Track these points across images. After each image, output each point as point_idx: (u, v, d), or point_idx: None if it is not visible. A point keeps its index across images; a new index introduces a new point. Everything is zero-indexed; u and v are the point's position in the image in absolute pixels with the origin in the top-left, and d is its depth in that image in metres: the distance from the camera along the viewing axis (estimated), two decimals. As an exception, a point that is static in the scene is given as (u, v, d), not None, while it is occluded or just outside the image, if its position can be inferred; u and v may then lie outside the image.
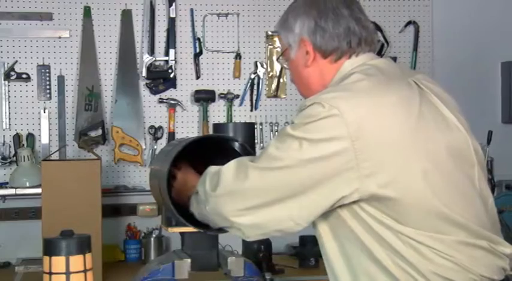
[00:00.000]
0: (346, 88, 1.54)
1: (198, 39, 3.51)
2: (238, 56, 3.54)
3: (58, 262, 1.53)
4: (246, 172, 1.53)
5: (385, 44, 3.60)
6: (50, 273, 1.55)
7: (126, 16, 3.44)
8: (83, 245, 1.55)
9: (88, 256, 1.56)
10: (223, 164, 1.79)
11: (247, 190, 1.52)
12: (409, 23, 3.68)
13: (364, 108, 1.48)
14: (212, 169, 1.63)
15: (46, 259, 1.56)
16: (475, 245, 1.53)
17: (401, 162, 1.47)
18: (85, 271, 1.55)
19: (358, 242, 1.52)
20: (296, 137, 1.49)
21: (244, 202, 1.52)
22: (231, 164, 1.57)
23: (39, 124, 3.35)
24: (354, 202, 1.50)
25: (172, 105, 3.46)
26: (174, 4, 3.45)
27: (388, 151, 1.46)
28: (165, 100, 3.46)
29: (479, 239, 1.53)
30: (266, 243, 2.98)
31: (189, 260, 1.77)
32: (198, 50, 3.50)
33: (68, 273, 1.54)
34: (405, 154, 1.48)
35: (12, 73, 3.31)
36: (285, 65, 1.79)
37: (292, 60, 1.71)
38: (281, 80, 3.59)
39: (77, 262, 1.54)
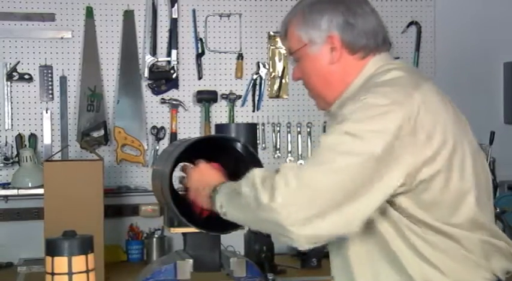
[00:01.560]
0: (395, 83, 1.52)
1: (200, 39, 3.51)
2: (240, 56, 3.55)
3: (60, 263, 1.54)
4: (307, 177, 1.44)
5: (387, 45, 3.60)
6: (53, 273, 1.55)
7: (128, 17, 3.45)
8: (85, 246, 1.55)
9: (90, 256, 1.56)
10: (225, 163, 1.79)
11: (311, 197, 1.41)
12: (411, 23, 3.68)
13: (419, 102, 1.47)
14: (259, 172, 1.52)
15: (48, 259, 1.56)
16: (495, 245, 1.55)
17: (449, 157, 1.48)
18: (87, 271, 1.56)
19: (385, 247, 1.52)
20: (355, 133, 1.44)
21: (307, 211, 1.41)
22: (286, 171, 1.46)
23: (42, 125, 3.36)
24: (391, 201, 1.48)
25: (175, 106, 3.46)
26: (176, 5, 3.45)
27: (440, 144, 1.47)
28: (167, 101, 3.46)
29: (498, 239, 1.56)
30: (268, 243, 2.98)
31: (191, 260, 1.77)
32: (200, 51, 3.50)
33: (70, 273, 1.54)
34: (451, 150, 1.48)
35: (14, 74, 3.31)
36: (294, 63, 1.72)
37: (310, 57, 1.65)
38: (283, 81, 3.59)
39: (79, 262, 1.54)
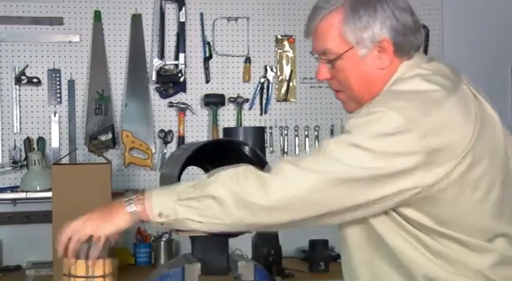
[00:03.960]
0: (415, 97, 1.44)
1: (208, 43, 3.51)
2: (247, 60, 3.55)
3: (78, 266, 1.54)
4: (305, 177, 1.40)
5: (395, 48, 3.60)
6: (70, 275, 1.55)
7: (136, 20, 3.46)
8: (103, 250, 1.54)
9: (108, 261, 1.56)
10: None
11: (303, 201, 1.40)
12: (419, 26, 3.67)
13: (438, 122, 1.41)
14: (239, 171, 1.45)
15: (66, 261, 1.56)
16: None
17: (462, 173, 1.43)
18: (104, 276, 1.56)
19: (388, 251, 1.49)
20: (366, 148, 1.39)
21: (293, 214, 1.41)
22: (282, 168, 1.42)
23: (50, 128, 3.37)
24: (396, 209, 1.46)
25: (182, 109, 3.47)
26: (184, 8, 3.46)
27: (458, 161, 1.42)
28: (174, 104, 3.47)
29: None
30: (276, 247, 2.98)
31: (199, 264, 1.77)
32: (207, 54, 3.51)
33: (88, 277, 1.54)
34: (467, 165, 1.43)
35: (23, 77, 3.33)
36: (322, 61, 1.57)
37: (354, 60, 1.53)
38: (291, 84, 3.59)
39: (97, 266, 1.54)
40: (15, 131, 3.33)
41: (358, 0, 1.50)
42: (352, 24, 1.50)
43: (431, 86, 1.47)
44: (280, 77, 3.59)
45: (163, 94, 3.46)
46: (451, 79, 1.54)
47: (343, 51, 1.52)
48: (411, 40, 1.53)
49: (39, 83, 3.34)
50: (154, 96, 3.47)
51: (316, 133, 3.59)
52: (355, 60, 1.52)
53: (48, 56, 3.38)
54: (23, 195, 3.20)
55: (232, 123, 3.51)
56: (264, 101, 3.56)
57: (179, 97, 3.48)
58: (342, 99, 1.62)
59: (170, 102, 3.47)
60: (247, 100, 3.54)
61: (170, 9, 3.48)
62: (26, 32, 3.36)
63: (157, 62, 3.44)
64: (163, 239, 3.29)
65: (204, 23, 3.51)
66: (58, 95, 3.38)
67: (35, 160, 3.21)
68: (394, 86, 1.51)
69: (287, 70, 3.58)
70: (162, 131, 3.46)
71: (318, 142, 3.58)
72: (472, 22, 3.72)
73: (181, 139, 3.46)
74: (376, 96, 1.52)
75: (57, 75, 3.38)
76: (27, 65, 3.35)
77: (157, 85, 3.46)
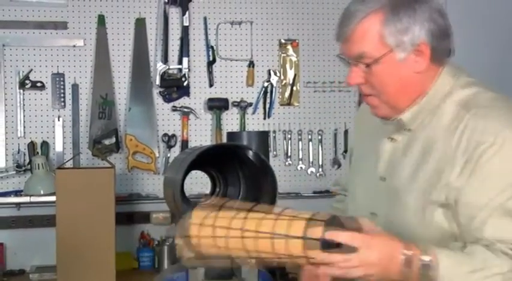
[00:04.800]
0: (504, 106, 1.50)
1: (212, 47, 3.51)
2: (251, 64, 3.55)
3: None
4: None
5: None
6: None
7: (140, 24, 3.46)
8: None
9: None
10: (237, 172, 1.79)
11: None
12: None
13: None
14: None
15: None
16: None
17: None
18: None
19: None
20: None
21: None
22: None
23: (54, 132, 3.37)
24: None
25: (186, 113, 3.47)
26: (187, 13, 3.46)
27: None
28: (178, 108, 3.47)
29: None
30: (279, 251, 2.97)
31: (202, 268, 1.77)
32: (211, 58, 3.51)
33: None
34: None
35: (27, 81, 3.33)
36: (355, 65, 1.53)
37: (392, 64, 1.51)
38: (294, 88, 3.59)
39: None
40: (19, 135, 3.34)
41: (398, 2, 1.48)
42: (393, 26, 1.47)
43: (500, 96, 1.53)
44: (284, 81, 3.59)
45: (167, 98, 3.46)
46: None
47: (381, 54, 1.49)
48: (446, 44, 1.53)
49: (43, 87, 3.35)
50: (158, 100, 3.47)
51: (319, 137, 3.58)
52: (392, 64, 1.50)
53: (52, 60, 3.39)
54: (26, 199, 3.20)
55: (235, 128, 3.51)
56: (267, 105, 3.56)
57: (183, 101, 3.49)
58: (374, 104, 1.59)
59: (174, 106, 3.47)
60: (250, 104, 3.54)
61: (174, 13, 3.49)
62: (30, 37, 3.37)
63: (161, 66, 3.44)
64: (167, 243, 3.29)
65: (208, 27, 3.52)
66: (62, 99, 3.38)
67: (38, 164, 3.21)
68: (470, 99, 1.51)
69: (291, 74, 3.59)
70: (165, 135, 3.47)
71: (322, 146, 3.58)
72: (476, 25, 3.71)
73: (184, 143, 3.46)
74: (414, 101, 1.53)
75: (61, 79, 3.38)
76: (31, 69, 3.35)
77: (161, 89, 3.46)
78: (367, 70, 1.52)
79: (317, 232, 1.32)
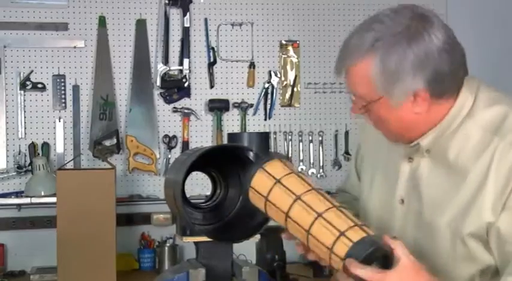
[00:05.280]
0: None
1: (212, 48, 3.52)
2: (252, 65, 3.55)
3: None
4: None
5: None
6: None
7: (141, 26, 3.46)
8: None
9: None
10: (238, 173, 1.79)
11: None
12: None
13: None
14: None
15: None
16: None
17: None
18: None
19: None
20: None
21: None
22: None
23: (54, 133, 3.37)
24: None
25: (187, 115, 3.47)
26: (188, 14, 3.47)
27: None
28: (179, 109, 3.47)
29: None
30: (280, 252, 2.98)
31: (203, 269, 1.76)
32: (212, 60, 3.51)
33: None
34: None
35: (27, 83, 3.33)
36: (362, 113, 1.49)
37: (386, 107, 1.45)
38: (295, 89, 3.59)
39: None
40: (19, 136, 3.34)
41: (390, 47, 1.39)
42: (382, 75, 1.41)
43: None
44: (285, 82, 3.59)
45: (168, 99, 3.47)
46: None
47: (374, 99, 1.45)
48: (451, 82, 1.44)
49: (44, 88, 3.35)
50: (159, 101, 3.48)
51: (320, 138, 3.59)
52: (388, 108, 1.45)
53: (53, 62, 3.39)
54: (27, 200, 3.20)
55: (236, 129, 3.51)
56: (268, 106, 3.56)
57: (183, 102, 3.49)
58: (381, 131, 1.55)
59: (174, 107, 3.47)
60: (251, 105, 3.54)
61: (175, 14, 3.49)
62: (31, 38, 3.37)
63: (161, 67, 3.44)
64: (168, 244, 3.29)
65: (209, 29, 3.52)
66: (63, 101, 3.39)
67: (39, 165, 3.22)
68: (498, 122, 1.45)
69: (291, 75, 3.59)
70: (166, 136, 3.47)
71: (322, 147, 3.58)
72: (478, 28, 3.71)
73: (185, 144, 3.46)
74: (425, 131, 1.47)
75: (62, 80, 3.39)
76: (32, 71, 3.36)
77: (162, 90, 3.46)
78: (366, 105, 1.49)
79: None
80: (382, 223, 1.66)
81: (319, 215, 1.38)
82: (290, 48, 3.59)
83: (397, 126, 1.50)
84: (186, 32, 3.48)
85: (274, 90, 3.57)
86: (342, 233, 1.34)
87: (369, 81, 1.43)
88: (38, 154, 3.32)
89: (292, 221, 1.42)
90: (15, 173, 3.29)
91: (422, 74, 1.40)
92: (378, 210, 1.68)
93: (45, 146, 3.35)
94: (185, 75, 3.46)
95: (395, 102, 1.43)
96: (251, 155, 1.77)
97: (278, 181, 1.45)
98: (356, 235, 1.34)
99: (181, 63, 3.47)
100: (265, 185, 1.47)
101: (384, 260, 1.34)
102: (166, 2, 3.45)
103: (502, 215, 1.41)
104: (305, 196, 1.41)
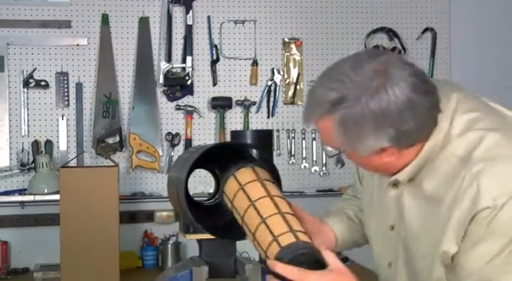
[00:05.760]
0: (503, 155, 1.38)
1: (215, 46, 3.52)
2: (255, 62, 3.55)
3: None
4: None
5: (402, 51, 3.60)
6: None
7: (144, 23, 3.47)
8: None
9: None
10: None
11: None
12: (426, 29, 3.67)
13: None
14: None
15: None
16: None
17: None
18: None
19: None
20: None
21: None
22: None
23: (58, 131, 3.38)
24: None
25: (189, 112, 3.47)
26: (191, 11, 3.47)
27: None
28: (182, 107, 3.47)
29: None
30: (283, 250, 2.97)
31: (206, 267, 1.76)
32: (215, 57, 3.51)
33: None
34: None
35: (31, 80, 3.34)
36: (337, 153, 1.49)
37: (356, 156, 1.47)
38: (298, 87, 3.59)
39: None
40: (23, 134, 3.35)
41: (349, 111, 1.37)
42: (343, 136, 1.41)
43: (503, 139, 1.40)
44: (288, 80, 3.59)
45: (171, 97, 3.47)
46: (488, 108, 1.49)
47: (342, 151, 1.46)
48: (420, 134, 1.41)
49: (47, 86, 3.35)
50: (162, 99, 3.48)
51: (323, 136, 3.58)
52: (358, 157, 1.46)
53: (56, 59, 3.39)
54: (30, 198, 3.21)
55: (239, 126, 3.51)
56: (271, 104, 3.56)
57: (186, 100, 3.49)
58: None
59: (177, 105, 3.48)
60: (254, 103, 3.54)
61: (177, 12, 3.49)
62: (34, 36, 3.37)
63: (164, 65, 3.45)
64: (171, 242, 3.30)
65: (212, 26, 3.52)
66: (66, 98, 3.39)
67: (42, 163, 3.22)
68: (469, 150, 1.41)
69: (294, 73, 3.59)
70: (169, 134, 3.47)
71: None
72: (480, 25, 3.71)
73: (188, 142, 3.46)
74: (401, 168, 1.47)
75: (65, 78, 3.39)
76: (35, 68, 3.36)
77: (165, 88, 3.46)
78: (338, 151, 1.49)
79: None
80: (381, 249, 1.68)
81: (263, 220, 1.45)
82: (293, 46, 3.59)
83: (371, 168, 1.53)
84: (189, 29, 3.48)
85: (277, 88, 3.57)
86: (275, 238, 1.41)
87: (333, 137, 1.43)
88: (41, 152, 3.33)
89: (245, 224, 1.52)
90: (18, 170, 3.30)
91: (384, 133, 1.38)
92: (376, 237, 1.71)
93: (48, 143, 3.35)
94: (188, 73, 3.46)
95: (362, 155, 1.44)
96: (254, 152, 1.78)
97: (241, 187, 1.54)
98: (288, 240, 1.39)
99: (184, 61, 3.47)
100: (232, 191, 1.57)
101: (315, 266, 1.38)
102: (169, -1, 3.46)
103: (461, 248, 1.41)
104: (258, 201, 1.49)
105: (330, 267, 1.39)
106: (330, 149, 1.49)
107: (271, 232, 1.43)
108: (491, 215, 1.34)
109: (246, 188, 1.54)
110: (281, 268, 1.36)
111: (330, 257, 1.40)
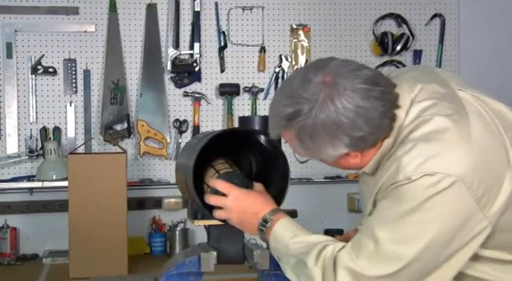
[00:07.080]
0: (441, 145, 1.40)
1: (223, 32, 3.51)
2: (262, 49, 3.54)
3: None
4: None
5: (411, 37, 3.58)
6: None
7: (151, 10, 3.46)
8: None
9: None
10: (248, 157, 1.79)
11: None
12: (435, 15, 3.65)
13: (470, 159, 1.39)
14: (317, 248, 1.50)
15: None
16: None
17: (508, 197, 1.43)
18: None
19: None
20: (419, 220, 1.38)
21: None
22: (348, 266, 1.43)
23: (66, 118, 3.38)
24: None
25: (197, 99, 3.47)
26: (198, -2, 3.46)
27: (495, 182, 1.42)
28: (189, 94, 3.47)
29: None
30: (291, 236, 2.97)
31: (214, 253, 1.77)
32: (222, 44, 3.50)
33: None
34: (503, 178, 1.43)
35: (39, 67, 3.34)
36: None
37: (323, 160, 1.55)
38: (306, 74, 3.57)
39: None
40: (31, 120, 3.35)
41: (302, 125, 1.44)
42: (303, 148, 1.49)
43: (449, 124, 1.42)
44: (295, 67, 3.58)
45: (179, 84, 3.47)
46: (448, 96, 1.49)
47: (309, 158, 1.56)
48: (378, 135, 1.45)
49: (55, 72, 3.36)
50: (170, 85, 3.47)
51: (331, 123, 3.57)
52: (327, 162, 1.54)
53: (63, 46, 3.39)
54: (39, 184, 3.22)
55: (247, 113, 3.51)
56: (279, 91, 3.55)
57: (194, 87, 3.48)
58: None
59: (185, 91, 3.47)
60: (262, 90, 3.54)
61: (185, -2, 3.48)
62: (42, 22, 3.37)
63: (172, 52, 3.44)
64: (179, 228, 3.31)
65: (219, 13, 3.51)
66: (74, 85, 3.39)
67: (51, 150, 3.23)
68: (411, 133, 1.44)
69: (302, 60, 3.57)
70: (177, 120, 3.47)
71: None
72: (489, 10, 3.68)
73: (196, 128, 3.46)
74: (365, 165, 1.53)
75: (73, 65, 3.39)
76: (43, 55, 3.36)
77: (173, 75, 3.46)
78: None
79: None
80: None
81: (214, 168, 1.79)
82: (301, 32, 3.57)
83: (343, 169, 1.61)
84: (196, 16, 3.47)
85: (285, 74, 3.56)
86: (217, 171, 1.76)
87: (296, 148, 1.51)
88: (50, 138, 3.34)
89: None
90: (27, 157, 3.31)
91: (340, 142, 1.44)
92: None
93: (57, 130, 3.36)
94: (196, 60, 3.46)
95: (328, 160, 1.52)
96: (262, 138, 1.78)
97: (217, 171, 1.77)
98: (225, 171, 1.76)
99: (191, 48, 3.46)
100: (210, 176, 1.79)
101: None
102: (177, -14, 3.45)
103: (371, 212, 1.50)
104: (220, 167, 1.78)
105: (254, 188, 1.69)
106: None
107: (217, 172, 1.76)
108: (401, 184, 1.40)
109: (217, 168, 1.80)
110: (215, 182, 1.67)
111: (257, 185, 1.72)
